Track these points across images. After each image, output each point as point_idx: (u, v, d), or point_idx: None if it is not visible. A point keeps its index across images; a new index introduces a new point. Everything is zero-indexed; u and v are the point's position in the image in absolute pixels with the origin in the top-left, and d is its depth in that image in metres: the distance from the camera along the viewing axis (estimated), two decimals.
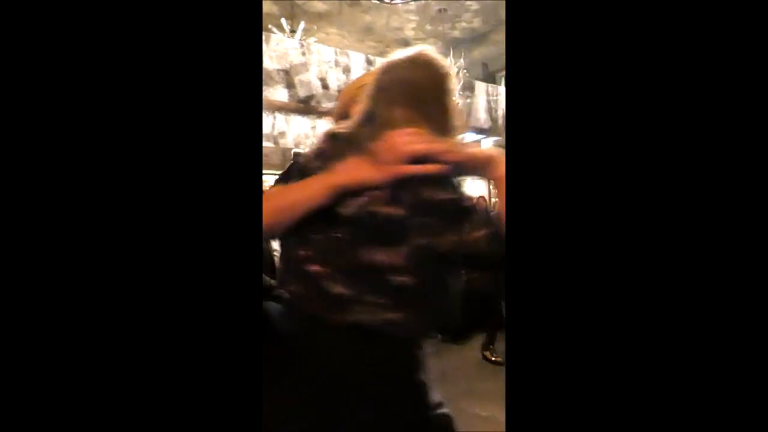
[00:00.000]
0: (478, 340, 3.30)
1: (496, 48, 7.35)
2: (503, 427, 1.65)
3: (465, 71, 5.19)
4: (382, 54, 5.66)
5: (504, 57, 8.00)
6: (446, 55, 5.18)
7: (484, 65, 7.91)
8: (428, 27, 6.50)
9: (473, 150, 0.73)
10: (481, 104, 5.42)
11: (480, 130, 5.71)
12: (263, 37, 3.96)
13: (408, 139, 0.68)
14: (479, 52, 7.37)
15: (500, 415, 1.96)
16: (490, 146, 7.13)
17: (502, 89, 5.86)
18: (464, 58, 5.26)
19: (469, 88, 5.24)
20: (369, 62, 4.33)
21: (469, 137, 6.89)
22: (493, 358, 3.10)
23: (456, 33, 6.71)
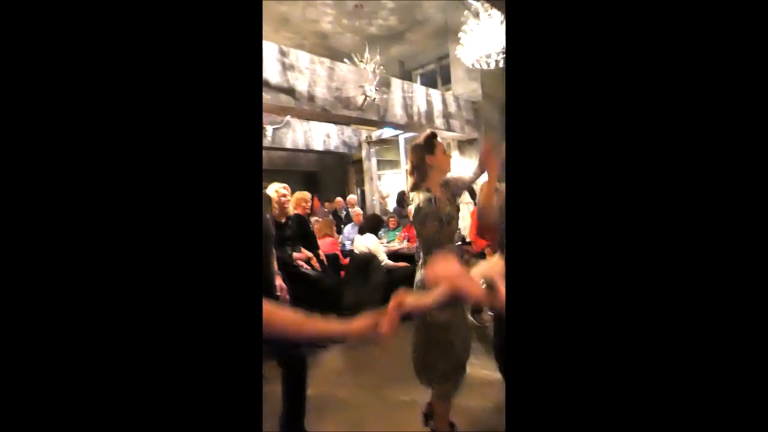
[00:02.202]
0: (399, 331, 3.42)
1: (411, 47, 7.58)
2: (421, 409, 1.74)
3: (381, 68, 5.28)
4: (298, 46, 5.52)
5: (419, 56, 8.21)
6: (363, 50, 5.21)
7: (401, 63, 8.12)
8: (345, 21, 6.49)
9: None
10: (398, 100, 5.56)
11: (396, 126, 5.87)
12: None
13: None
14: (396, 50, 7.54)
15: (420, 399, 2.06)
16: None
17: (417, 87, 6.06)
18: (380, 55, 5.34)
19: (385, 84, 5.35)
20: (283, 53, 4.21)
21: (387, 132, 7.04)
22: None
23: (373, 30, 6.79)
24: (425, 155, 1.74)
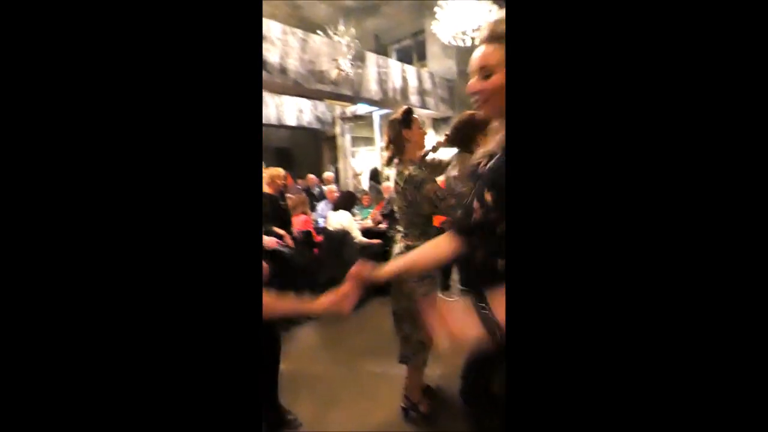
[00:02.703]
0: (372, 306, 3.48)
1: (387, 21, 7.41)
2: (395, 381, 1.79)
3: (356, 41, 5.16)
4: (269, 16, 5.31)
5: (395, 30, 8.03)
6: (337, 22, 5.06)
7: (376, 37, 7.95)
8: None
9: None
10: (372, 75, 5.47)
11: (372, 102, 5.79)
12: None
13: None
14: (371, 23, 7.36)
15: (391, 371, 2.13)
16: (379, 121, 7.26)
17: (392, 62, 5.97)
18: (355, 28, 5.20)
19: (360, 59, 5.24)
20: None
21: (361, 108, 6.95)
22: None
23: (347, 1, 6.59)
24: (402, 129, 1.78)
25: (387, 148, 1.85)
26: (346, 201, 4.15)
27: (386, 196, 4.71)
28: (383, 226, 4.34)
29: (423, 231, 1.76)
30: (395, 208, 1.89)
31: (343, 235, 3.70)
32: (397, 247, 1.82)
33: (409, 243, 1.76)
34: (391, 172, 1.85)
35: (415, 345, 1.79)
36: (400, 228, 1.85)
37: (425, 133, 1.90)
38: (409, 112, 1.81)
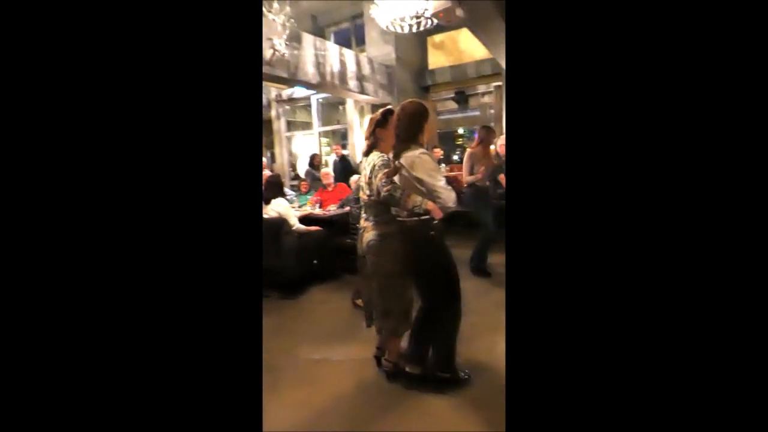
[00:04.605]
0: (311, 293, 3.45)
1: (324, 2, 7.22)
2: (335, 367, 1.82)
3: (292, 21, 4.96)
4: None
5: (333, 13, 7.85)
6: (272, 0, 4.83)
7: (313, 18, 7.72)
8: None
9: None
10: (309, 58, 5.32)
11: (309, 85, 5.64)
12: None
13: None
14: (308, 4, 7.12)
15: (332, 356, 2.13)
16: (314, 102, 7.09)
17: (330, 45, 5.84)
18: (291, 7, 5.00)
19: (296, 39, 5.06)
20: None
21: (298, 92, 6.74)
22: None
23: None
24: (377, 128, 1.94)
25: (367, 139, 2.00)
26: (273, 187, 3.89)
27: (324, 182, 4.65)
28: (321, 210, 4.28)
29: (390, 218, 1.86)
30: (363, 197, 1.96)
31: (281, 223, 3.60)
32: (369, 235, 1.90)
33: (380, 231, 1.86)
34: (366, 162, 1.96)
35: (399, 316, 1.90)
36: (368, 216, 1.94)
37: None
38: (387, 113, 1.95)
